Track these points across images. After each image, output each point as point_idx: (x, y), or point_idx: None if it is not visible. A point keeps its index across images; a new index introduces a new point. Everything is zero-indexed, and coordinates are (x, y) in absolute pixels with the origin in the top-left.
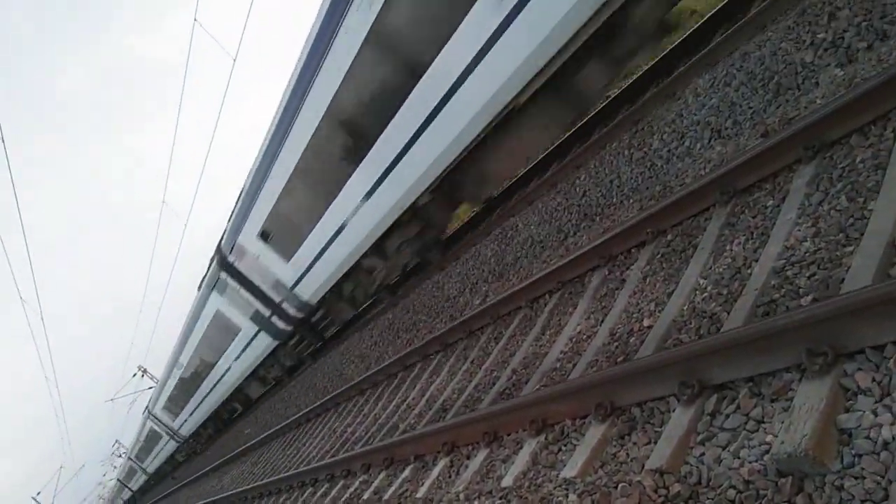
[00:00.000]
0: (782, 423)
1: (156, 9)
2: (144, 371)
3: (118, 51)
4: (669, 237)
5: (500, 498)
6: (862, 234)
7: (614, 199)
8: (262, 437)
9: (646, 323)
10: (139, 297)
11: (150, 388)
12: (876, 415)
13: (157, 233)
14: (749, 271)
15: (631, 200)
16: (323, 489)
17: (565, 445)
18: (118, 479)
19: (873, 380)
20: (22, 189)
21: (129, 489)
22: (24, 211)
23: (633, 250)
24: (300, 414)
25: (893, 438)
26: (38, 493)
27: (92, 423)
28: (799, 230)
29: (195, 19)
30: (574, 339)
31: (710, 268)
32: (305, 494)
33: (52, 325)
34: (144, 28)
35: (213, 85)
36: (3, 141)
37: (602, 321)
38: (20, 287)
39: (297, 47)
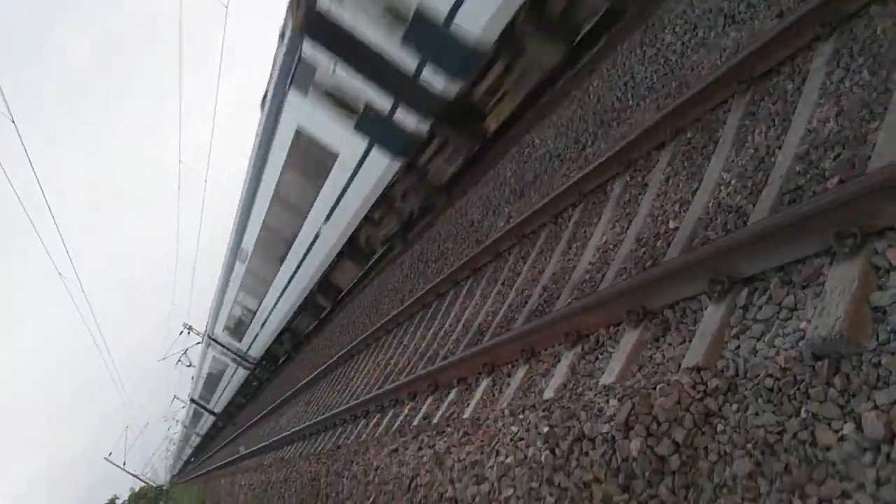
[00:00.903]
0: (815, 308)
1: None
2: (190, 328)
3: (110, 10)
4: (689, 134)
5: (544, 410)
6: (886, 108)
7: (630, 102)
8: (311, 377)
9: (671, 225)
10: (172, 257)
11: (198, 343)
12: None
13: (179, 192)
14: (773, 160)
15: (647, 101)
16: (375, 419)
17: (601, 354)
18: (191, 399)
19: None
20: (40, 166)
21: (212, 413)
22: (46, 186)
23: (653, 153)
24: (343, 351)
25: None
26: (110, 454)
27: (148, 383)
28: (821, 111)
29: None
30: (601, 249)
31: (733, 161)
32: (359, 426)
33: (93, 295)
34: None
35: (210, 36)
36: (13, 123)
37: (627, 228)
38: (56, 262)
39: None
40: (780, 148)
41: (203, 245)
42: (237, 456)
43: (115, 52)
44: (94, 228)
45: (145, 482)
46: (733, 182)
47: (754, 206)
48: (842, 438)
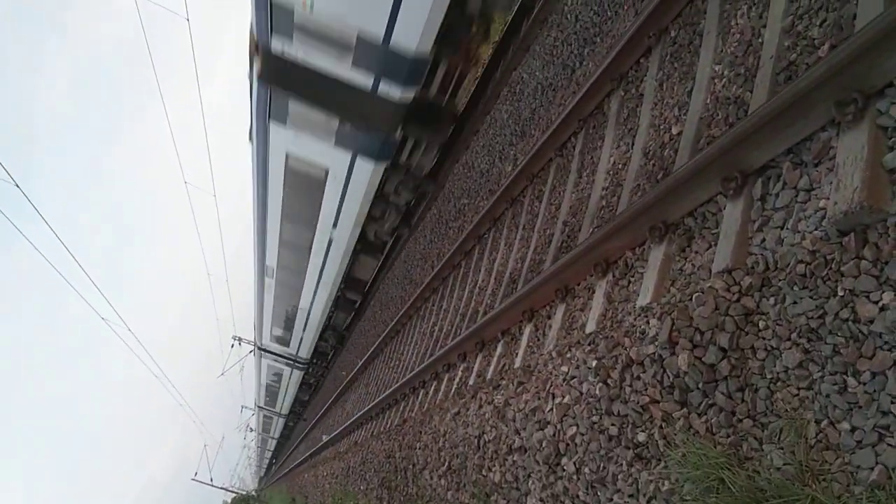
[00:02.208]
0: (831, 183)
1: None
2: (240, 339)
3: (79, 46)
4: (673, 34)
5: (589, 344)
6: None
7: (608, 13)
8: (363, 360)
9: (674, 131)
10: (204, 277)
11: (251, 352)
12: None
13: (193, 213)
14: (760, 40)
15: (625, 7)
16: (433, 387)
17: (633, 276)
18: (258, 406)
19: None
20: (55, 219)
21: (279, 415)
22: (67, 239)
23: (641, 61)
24: (389, 329)
25: None
26: (196, 474)
27: (213, 400)
28: None
29: None
30: (611, 172)
31: (722, 51)
32: (420, 396)
33: (139, 330)
34: (93, 14)
35: (180, 51)
36: (17, 187)
37: (632, 145)
38: (97, 308)
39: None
40: (765, 26)
41: (230, 256)
42: (317, 447)
43: (94, 85)
44: (123, 265)
45: (235, 492)
46: (726, 73)
47: (752, 92)
48: (883, 308)
